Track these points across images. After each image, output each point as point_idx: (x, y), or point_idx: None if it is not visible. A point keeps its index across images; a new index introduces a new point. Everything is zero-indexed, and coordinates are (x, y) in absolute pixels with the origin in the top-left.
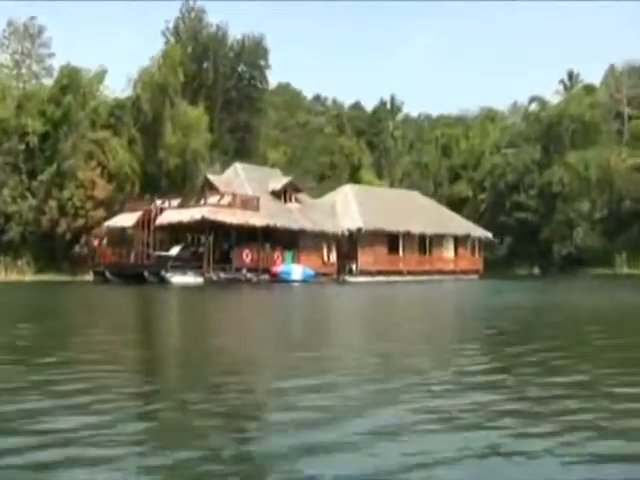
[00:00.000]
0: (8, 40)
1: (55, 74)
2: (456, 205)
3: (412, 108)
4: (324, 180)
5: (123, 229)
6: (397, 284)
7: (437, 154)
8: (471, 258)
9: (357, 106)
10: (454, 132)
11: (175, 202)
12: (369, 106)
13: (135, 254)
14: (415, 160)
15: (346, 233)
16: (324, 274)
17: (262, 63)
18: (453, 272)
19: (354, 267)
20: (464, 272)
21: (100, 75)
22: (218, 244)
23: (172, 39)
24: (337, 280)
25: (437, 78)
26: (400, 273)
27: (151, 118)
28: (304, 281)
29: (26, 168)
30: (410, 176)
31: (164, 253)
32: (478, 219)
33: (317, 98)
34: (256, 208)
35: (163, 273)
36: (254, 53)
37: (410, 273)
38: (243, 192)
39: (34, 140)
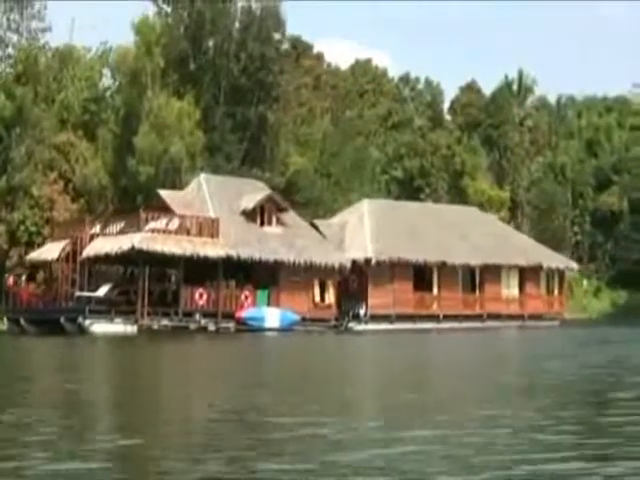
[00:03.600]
0: None
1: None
2: (604, 222)
3: (549, 88)
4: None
5: (48, 263)
6: (426, 334)
7: (580, 152)
8: (546, 297)
9: (471, 88)
10: (604, 122)
11: (119, 226)
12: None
13: (58, 295)
14: (549, 161)
15: (347, 265)
16: (316, 320)
17: (278, 38)
18: (517, 317)
19: (362, 310)
20: (534, 317)
21: (104, 56)
22: (158, 281)
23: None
24: (337, 328)
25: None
26: (434, 318)
27: (123, 115)
28: (283, 330)
29: None
30: (541, 183)
31: (87, 294)
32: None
33: (405, 79)
34: (215, 234)
35: (80, 320)
36: (265, 25)
37: (449, 318)
38: (204, 212)
39: None
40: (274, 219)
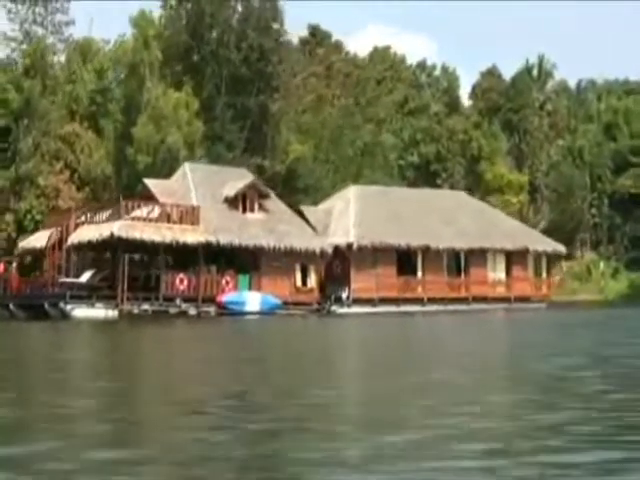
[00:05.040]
0: (16, 5)
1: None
2: (622, 204)
3: (570, 73)
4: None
5: (39, 250)
6: (410, 316)
7: (598, 135)
8: (533, 280)
9: (492, 73)
10: (623, 105)
11: (105, 215)
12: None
13: (45, 281)
14: (567, 145)
15: (329, 251)
16: (298, 304)
17: (276, 28)
18: (503, 299)
19: (344, 294)
20: (522, 299)
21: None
22: (138, 267)
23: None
24: (319, 311)
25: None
26: (418, 301)
27: (124, 106)
28: (263, 313)
29: None
30: (559, 166)
31: (70, 280)
32: None
33: (421, 65)
34: (195, 221)
35: (62, 305)
36: (264, 17)
37: (433, 301)
38: (187, 200)
39: None
40: (256, 206)
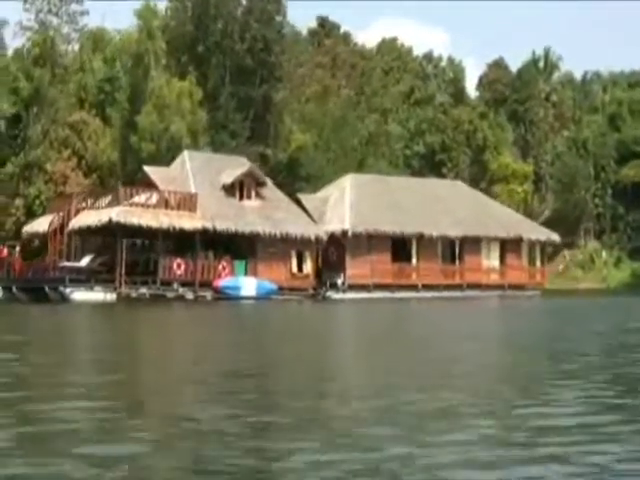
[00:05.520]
0: None
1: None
2: (625, 194)
3: (576, 65)
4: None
5: (42, 235)
6: (404, 302)
7: (602, 126)
8: (527, 268)
9: (498, 64)
10: (627, 96)
11: (105, 201)
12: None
13: (46, 265)
14: (572, 135)
15: (324, 238)
16: (294, 289)
17: (279, 20)
18: (497, 287)
19: (340, 280)
20: (516, 287)
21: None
22: (137, 252)
23: None
24: (315, 297)
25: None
26: (413, 288)
27: (129, 95)
28: (259, 298)
29: None
30: (564, 156)
31: (69, 264)
32: None
33: (428, 57)
34: (192, 208)
35: (61, 288)
36: (267, 9)
37: (428, 288)
38: (186, 187)
39: (1, 124)
40: (253, 193)
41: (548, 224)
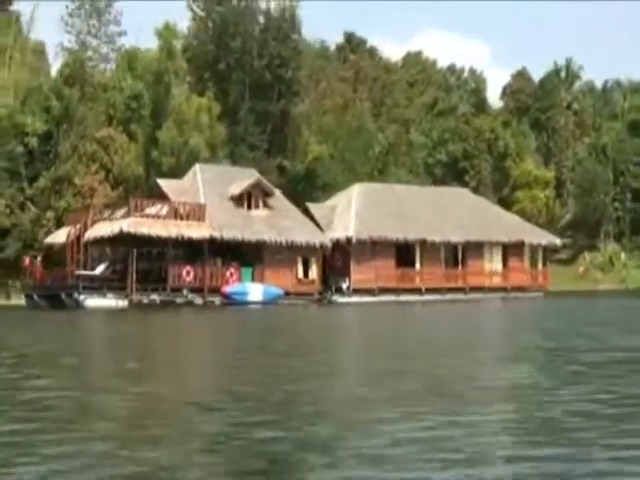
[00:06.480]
0: (72, 18)
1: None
2: None
3: (597, 73)
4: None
5: (62, 245)
6: (408, 305)
7: (622, 133)
8: (529, 271)
9: (522, 75)
10: None
11: (121, 212)
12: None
13: (64, 274)
14: (592, 142)
15: (328, 244)
16: (300, 294)
17: (295, 37)
18: (500, 289)
19: (345, 285)
20: (519, 289)
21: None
22: (147, 261)
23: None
24: (320, 301)
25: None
26: (416, 291)
27: (151, 112)
28: (266, 303)
29: (26, 174)
30: (584, 162)
31: (85, 272)
32: None
33: (451, 69)
34: (201, 217)
35: (76, 295)
36: (283, 27)
37: (431, 291)
38: (196, 198)
39: (33, 141)
40: (260, 203)
41: (569, 228)
